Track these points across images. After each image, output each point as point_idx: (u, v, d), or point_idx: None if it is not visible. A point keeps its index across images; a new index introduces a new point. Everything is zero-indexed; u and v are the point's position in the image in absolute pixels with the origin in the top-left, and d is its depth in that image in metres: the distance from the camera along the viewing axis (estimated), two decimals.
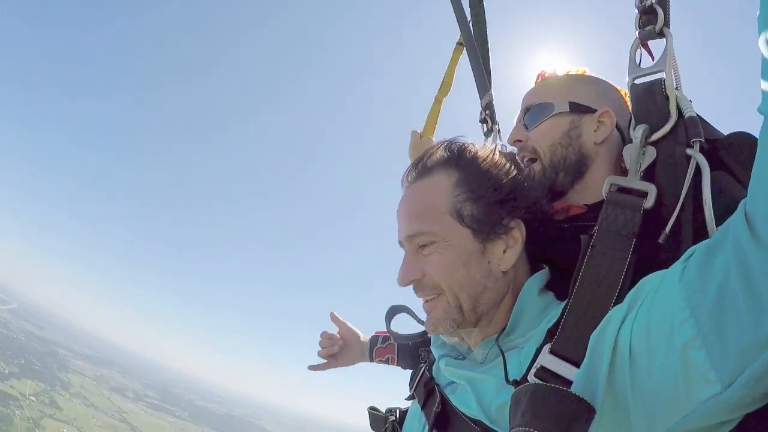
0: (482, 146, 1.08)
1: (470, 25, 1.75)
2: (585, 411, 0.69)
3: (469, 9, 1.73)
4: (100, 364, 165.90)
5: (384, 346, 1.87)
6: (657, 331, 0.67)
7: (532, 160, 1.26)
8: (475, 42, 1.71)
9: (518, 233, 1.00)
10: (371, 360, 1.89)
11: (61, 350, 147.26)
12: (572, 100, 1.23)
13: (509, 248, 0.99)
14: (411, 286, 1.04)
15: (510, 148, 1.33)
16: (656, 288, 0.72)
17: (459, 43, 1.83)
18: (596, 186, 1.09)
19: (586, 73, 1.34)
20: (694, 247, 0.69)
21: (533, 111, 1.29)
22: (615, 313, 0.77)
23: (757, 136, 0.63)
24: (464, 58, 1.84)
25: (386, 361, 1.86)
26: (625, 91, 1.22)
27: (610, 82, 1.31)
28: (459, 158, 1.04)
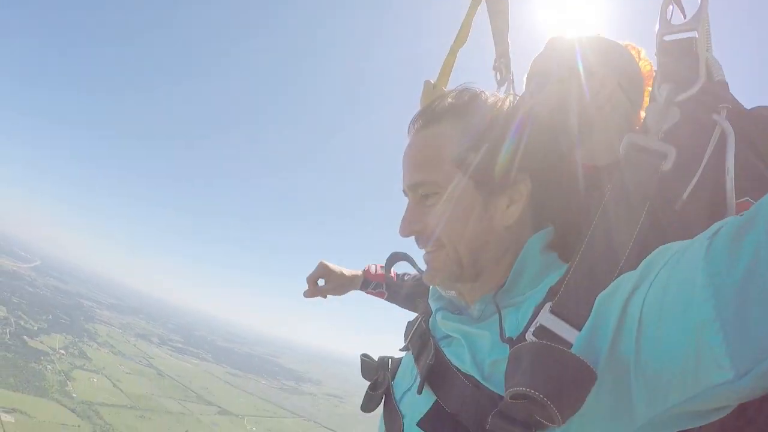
0: (494, 95, 1.03)
1: None
2: (586, 375, 0.66)
3: None
4: (125, 312, 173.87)
5: (375, 292, 1.86)
6: (672, 306, 0.63)
7: None
8: None
9: (524, 188, 0.95)
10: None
11: (86, 302, 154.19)
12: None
13: (513, 203, 0.95)
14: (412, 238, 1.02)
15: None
16: (676, 260, 0.67)
17: None
18: (602, 149, 1.07)
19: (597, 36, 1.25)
20: (720, 222, 0.63)
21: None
22: (626, 279, 0.72)
23: None
24: (482, 8, 1.82)
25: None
26: (638, 48, 1.18)
27: (621, 43, 1.23)
28: (468, 106, 0.98)
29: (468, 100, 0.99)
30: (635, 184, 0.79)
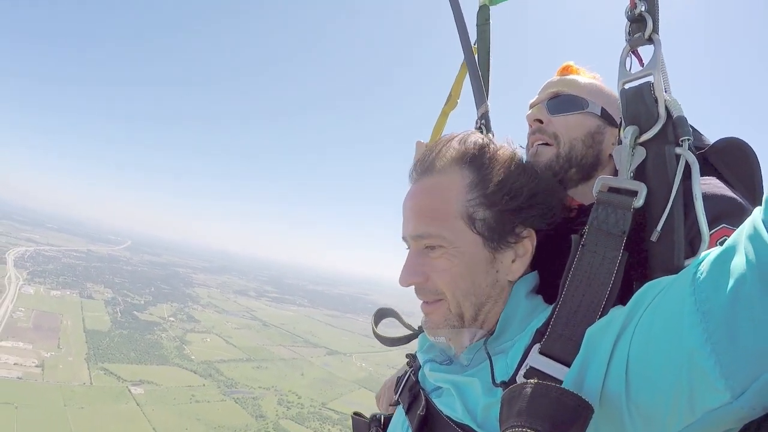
0: (501, 146, 1.04)
1: (475, 42, 1.79)
2: (583, 409, 0.66)
3: (476, 27, 1.81)
4: (218, 272, 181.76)
5: None
6: (659, 337, 0.65)
7: (546, 145, 1.27)
8: (476, 57, 1.75)
9: (529, 243, 0.98)
10: None
11: (181, 269, 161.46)
12: (605, 107, 1.27)
13: (518, 258, 0.98)
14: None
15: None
16: (663, 293, 0.69)
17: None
18: (586, 193, 1.13)
19: (600, 80, 1.37)
20: (704, 254, 0.67)
21: (562, 99, 1.30)
22: (617, 315, 0.74)
23: (745, 141, 0.72)
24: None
25: None
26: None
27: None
28: (475, 158, 1.00)
29: (475, 150, 1.01)
30: (611, 222, 0.83)
